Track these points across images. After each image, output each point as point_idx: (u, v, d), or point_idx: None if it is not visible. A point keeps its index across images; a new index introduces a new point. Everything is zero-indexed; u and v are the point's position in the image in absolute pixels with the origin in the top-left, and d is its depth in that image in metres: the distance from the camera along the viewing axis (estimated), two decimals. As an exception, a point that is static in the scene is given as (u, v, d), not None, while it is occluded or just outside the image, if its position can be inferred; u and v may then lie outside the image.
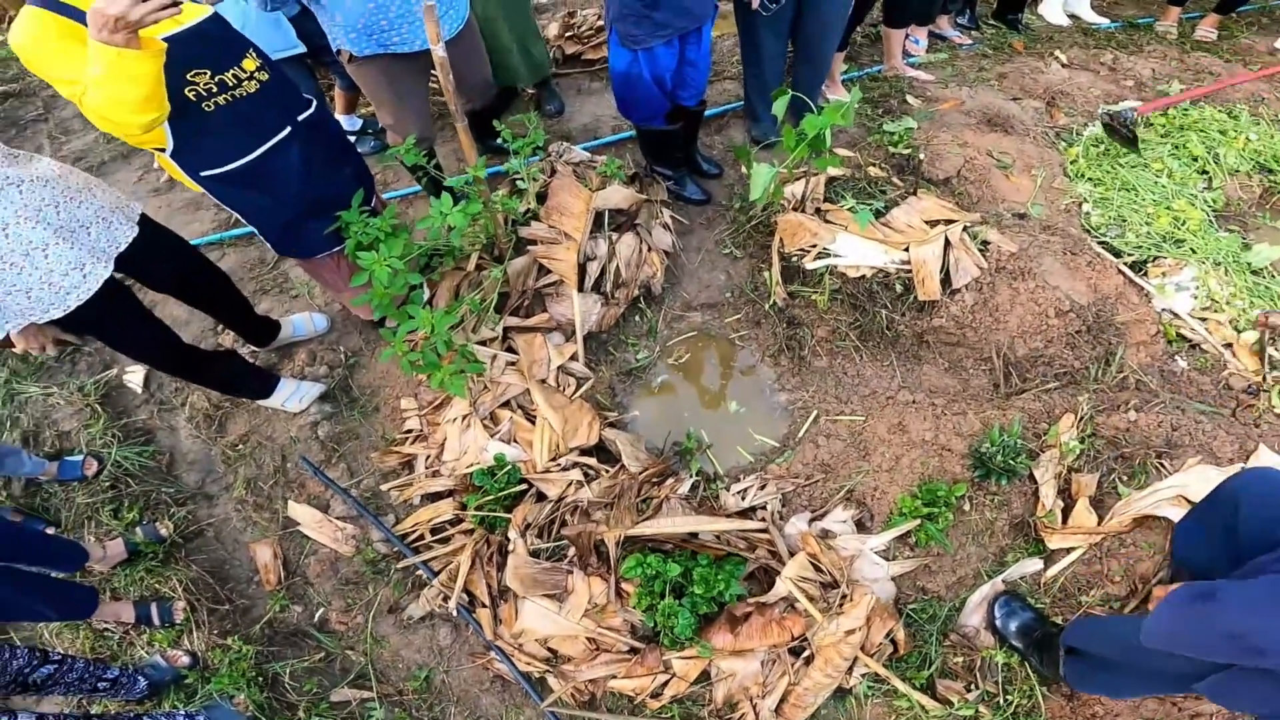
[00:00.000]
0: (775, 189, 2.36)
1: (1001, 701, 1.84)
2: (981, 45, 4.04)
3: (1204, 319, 2.50)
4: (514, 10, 2.95)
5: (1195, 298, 2.58)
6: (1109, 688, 1.66)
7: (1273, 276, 2.70)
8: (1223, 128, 3.40)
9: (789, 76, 3.16)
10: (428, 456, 2.29)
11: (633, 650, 1.90)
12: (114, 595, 2.09)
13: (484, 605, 2.00)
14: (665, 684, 1.84)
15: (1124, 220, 2.91)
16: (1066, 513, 2.02)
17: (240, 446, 2.39)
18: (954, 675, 1.91)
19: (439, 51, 1.91)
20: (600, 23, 3.86)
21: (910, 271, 2.45)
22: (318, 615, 2.10)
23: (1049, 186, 3.03)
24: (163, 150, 1.76)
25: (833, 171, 2.81)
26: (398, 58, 2.23)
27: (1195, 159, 3.23)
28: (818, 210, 2.68)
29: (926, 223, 2.57)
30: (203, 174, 1.83)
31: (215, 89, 1.69)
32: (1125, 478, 2.04)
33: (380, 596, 2.08)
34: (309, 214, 2.06)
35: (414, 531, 2.16)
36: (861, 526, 2.10)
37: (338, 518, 2.23)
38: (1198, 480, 1.89)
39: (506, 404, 2.33)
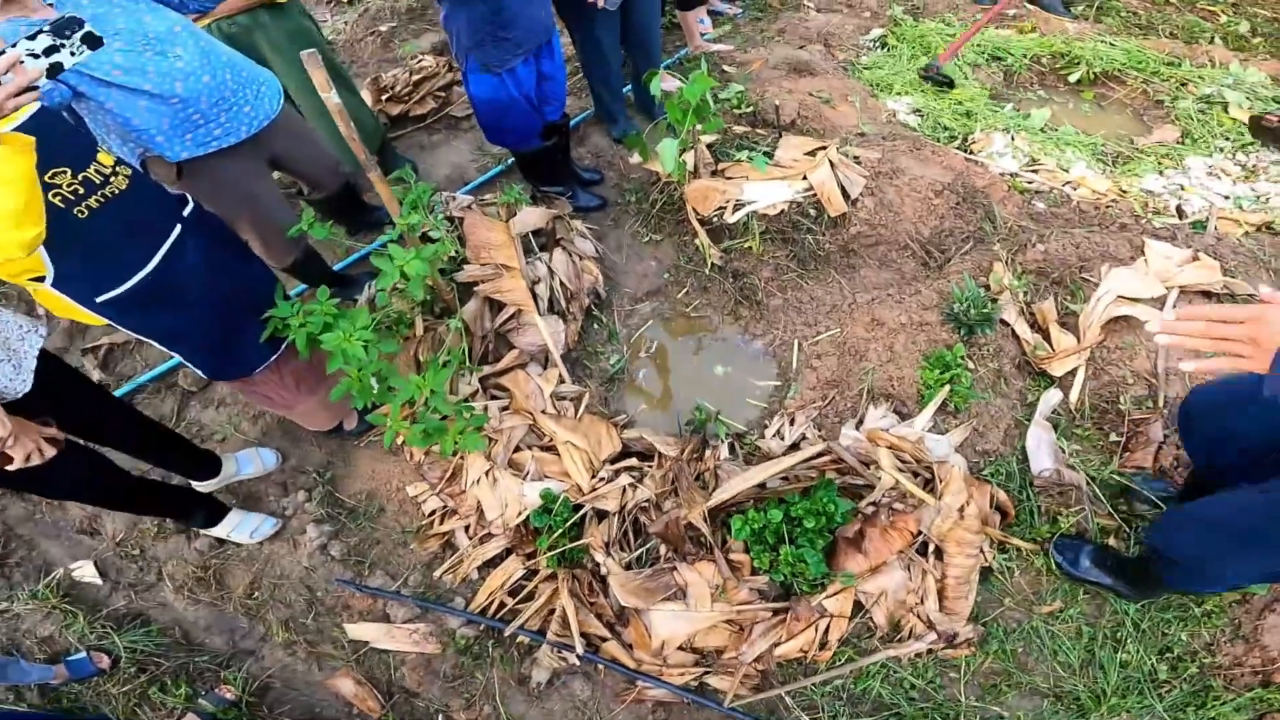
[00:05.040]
0: (678, 163, 2.51)
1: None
2: (749, 11, 4.58)
3: (1036, 171, 3.07)
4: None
5: (1015, 159, 3.17)
6: (1216, 578, 1.55)
7: (1054, 130, 3.41)
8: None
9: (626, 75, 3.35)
10: (467, 526, 2.14)
11: (778, 613, 1.88)
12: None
13: (606, 639, 1.87)
14: (827, 630, 1.84)
15: (927, 113, 3.50)
16: (1048, 341, 2.35)
17: (255, 595, 2.14)
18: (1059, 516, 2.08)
19: (333, 98, 1.75)
20: (418, 76, 3.78)
21: (815, 195, 2.71)
22: (443, 721, 1.88)
23: (866, 107, 3.52)
24: (41, 280, 1.45)
25: (707, 138, 3.03)
26: (228, 153, 2.01)
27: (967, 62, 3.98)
28: (713, 173, 2.87)
29: (806, 154, 2.86)
30: (99, 300, 1.54)
31: (83, 190, 1.44)
32: (1069, 296, 2.43)
33: (495, 678, 1.89)
34: (234, 323, 1.81)
35: (491, 602, 2.01)
36: (901, 416, 2.27)
37: (404, 623, 2.03)
38: (1120, 280, 2.32)
39: (518, 448, 2.23)
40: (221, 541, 2.27)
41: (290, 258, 2.47)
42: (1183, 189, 3.08)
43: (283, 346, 1.95)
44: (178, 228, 1.66)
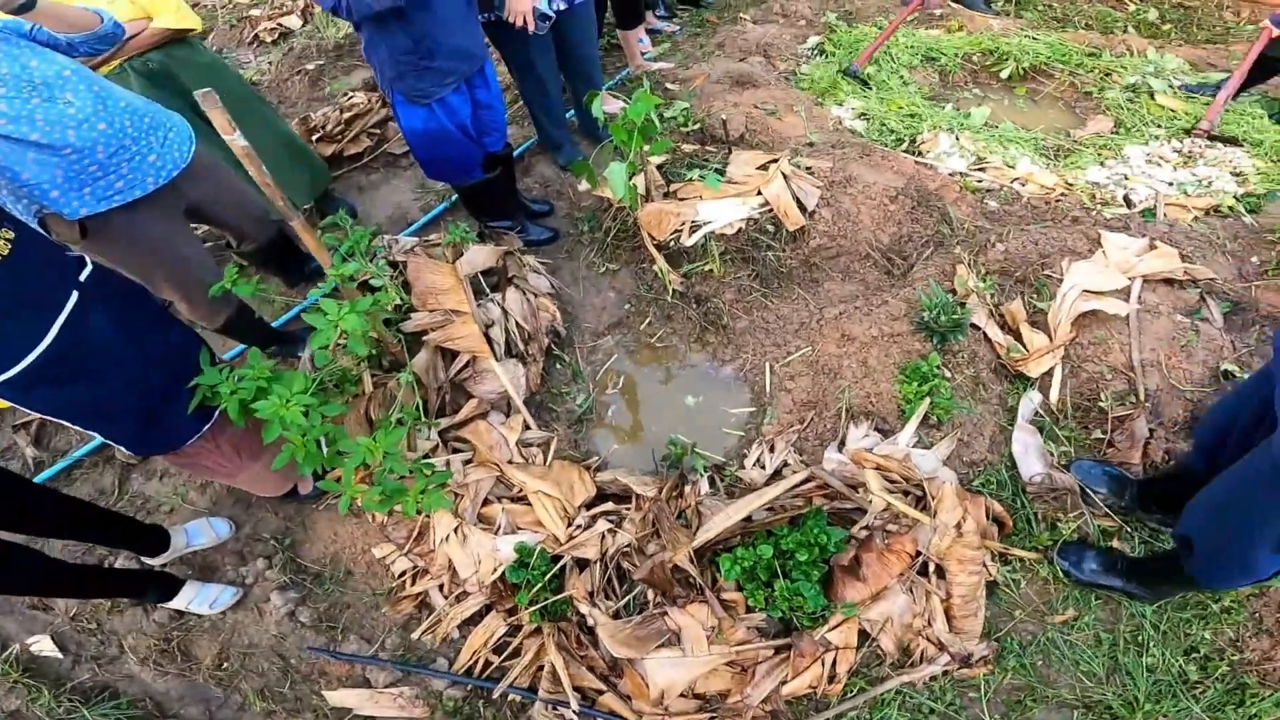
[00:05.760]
0: (629, 188, 2.41)
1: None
2: (688, 28, 4.56)
3: (984, 170, 3.07)
4: (259, 124, 2.63)
5: (963, 158, 3.17)
6: (1247, 564, 1.45)
7: (995, 127, 3.43)
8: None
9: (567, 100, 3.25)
10: (441, 585, 2.03)
11: (779, 650, 1.77)
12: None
13: (602, 691, 1.76)
14: (834, 663, 1.74)
15: (873, 118, 3.49)
16: (1021, 342, 2.32)
17: (225, 665, 2.08)
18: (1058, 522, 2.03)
19: (238, 140, 1.60)
20: (349, 114, 3.61)
21: (772, 210, 2.65)
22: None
23: (812, 116, 3.50)
24: None
25: (656, 159, 2.94)
26: (136, 206, 1.85)
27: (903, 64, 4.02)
28: (665, 195, 2.77)
29: (758, 168, 2.80)
30: None
31: None
32: (1036, 295, 2.40)
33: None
34: (156, 393, 1.64)
35: (476, 661, 1.90)
36: (883, 433, 2.19)
37: (385, 687, 1.92)
38: (1083, 274, 2.30)
39: (487, 501, 2.09)
40: (181, 613, 2.17)
41: (221, 317, 2.30)
42: (1126, 178, 3.13)
43: (215, 415, 1.79)
44: (74, 295, 1.48)
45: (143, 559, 2.19)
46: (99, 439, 1.81)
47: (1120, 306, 2.35)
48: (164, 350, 1.68)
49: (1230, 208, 2.94)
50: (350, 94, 4.20)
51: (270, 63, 5.43)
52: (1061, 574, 1.96)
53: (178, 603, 2.12)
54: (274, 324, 2.78)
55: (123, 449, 1.71)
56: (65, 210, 1.72)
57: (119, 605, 2.20)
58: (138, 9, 2.34)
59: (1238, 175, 3.15)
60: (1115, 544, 2.01)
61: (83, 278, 1.53)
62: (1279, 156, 3.17)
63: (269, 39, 6.02)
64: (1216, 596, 1.89)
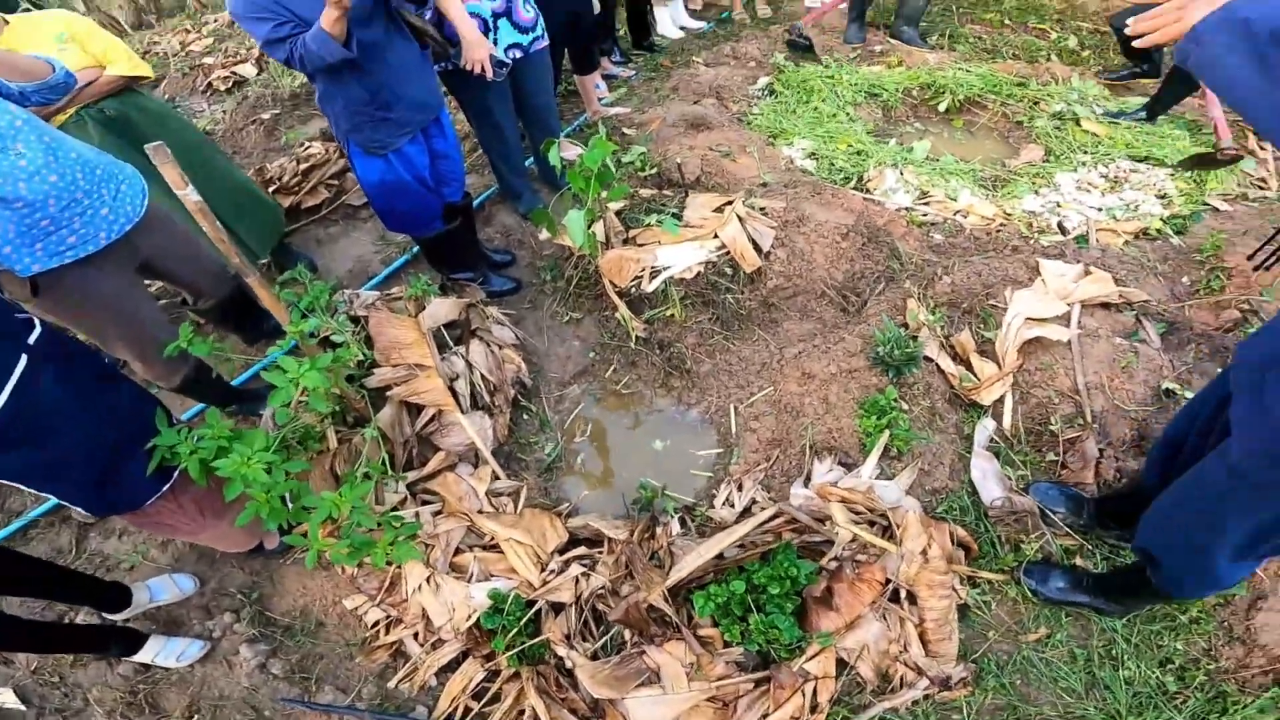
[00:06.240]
0: (588, 235, 2.46)
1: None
2: (643, 72, 4.68)
3: (928, 203, 3.21)
4: (213, 172, 2.62)
5: (908, 193, 3.31)
6: (1206, 569, 1.49)
7: (936, 160, 3.59)
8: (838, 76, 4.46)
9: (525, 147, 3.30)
10: (416, 634, 2.01)
11: (759, 683, 1.79)
12: None
13: None
14: (814, 693, 1.76)
15: (822, 157, 3.63)
16: (972, 372, 2.41)
17: (196, 718, 2.03)
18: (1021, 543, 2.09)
19: (190, 195, 1.59)
20: (307, 165, 3.60)
21: (729, 253, 2.72)
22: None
23: (764, 156, 3.62)
24: None
25: (615, 205, 3.00)
26: (88, 262, 1.82)
27: (848, 101, 4.18)
28: (625, 241, 2.83)
29: (714, 211, 2.88)
30: None
31: None
32: (982, 324, 2.51)
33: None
34: (110, 455, 1.60)
35: (455, 708, 1.89)
36: (846, 467, 2.25)
37: None
38: (1024, 303, 2.42)
39: (459, 550, 2.10)
40: (148, 666, 2.11)
41: (178, 376, 2.26)
42: (1059, 205, 3.30)
43: (175, 474, 1.74)
44: (23, 359, 1.45)
45: (104, 615, 2.14)
46: (54, 499, 1.77)
47: (1062, 332, 2.46)
48: (116, 410, 1.64)
49: (1158, 230, 3.12)
50: (307, 144, 4.19)
51: (225, 111, 5.36)
52: (1030, 593, 2.01)
53: (143, 656, 2.07)
54: (233, 382, 2.74)
55: (79, 510, 1.66)
56: (17, 267, 1.69)
57: (82, 659, 2.14)
58: (90, 57, 2.35)
59: (1162, 197, 3.34)
60: (1078, 561, 2.08)
61: (31, 340, 1.50)
62: (1199, 178, 3.37)
63: (223, 87, 5.96)
64: (1184, 608, 1.95)
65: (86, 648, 2.01)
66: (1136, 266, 2.82)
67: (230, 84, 5.94)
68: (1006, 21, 5.56)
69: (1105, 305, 2.62)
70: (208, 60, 6.36)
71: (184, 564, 2.34)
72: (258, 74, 6.03)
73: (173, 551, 2.35)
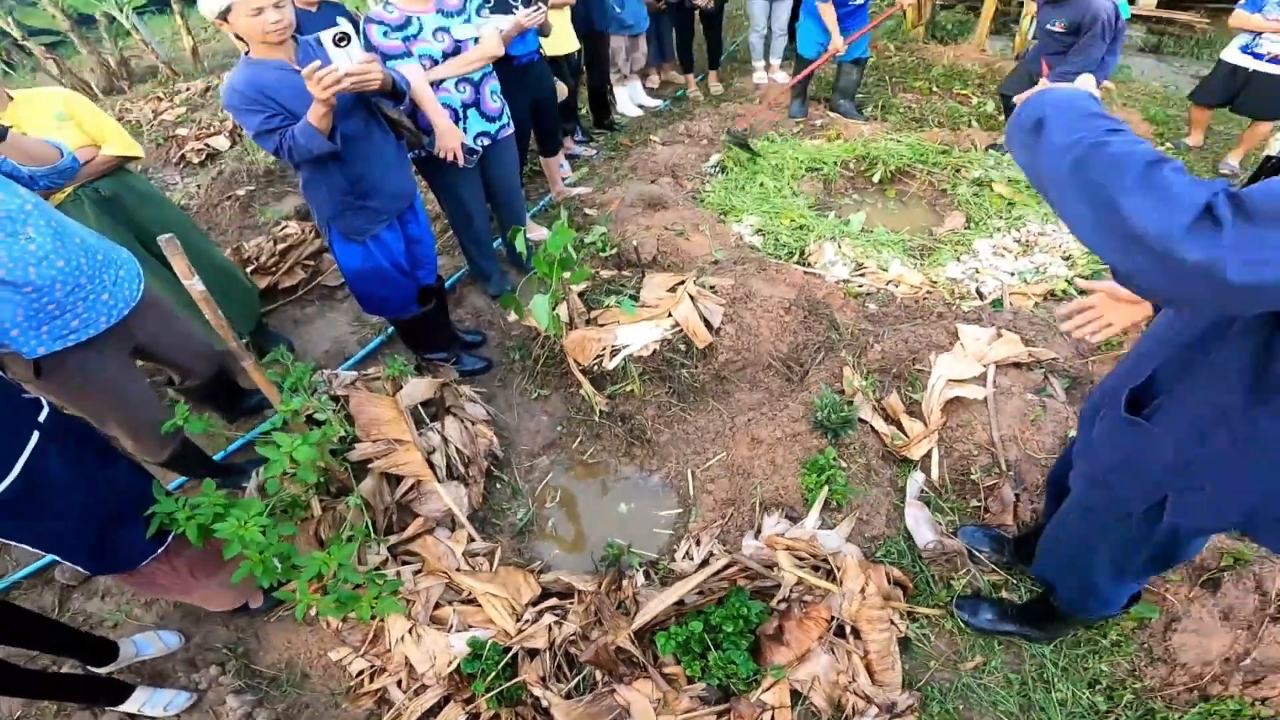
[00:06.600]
0: (553, 318, 2.71)
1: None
2: (604, 151, 5.03)
3: (863, 275, 3.56)
4: (193, 254, 2.79)
5: (845, 266, 3.66)
6: (1093, 589, 1.66)
7: (870, 232, 3.96)
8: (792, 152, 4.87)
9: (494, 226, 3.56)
10: (399, 681, 2.13)
11: (721, 715, 1.96)
12: None
13: None
14: None
15: (769, 233, 3.97)
16: (902, 430, 2.69)
17: None
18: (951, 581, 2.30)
19: (196, 285, 1.70)
20: (284, 245, 3.79)
21: (682, 330, 2.99)
22: None
23: (715, 233, 3.94)
24: None
25: (578, 287, 3.27)
26: (89, 345, 1.90)
27: (791, 176, 4.57)
28: (587, 321, 3.09)
29: (669, 290, 3.17)
30: None
31: None
32: (910, 387, 2.81)
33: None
34: (108, 523, 1.69)
35: None
36: (792, 520, 2.49)
37: None
38: (946, 366, 2.74)
39: (439, 604, 2.26)
40: (133, 716, 2.12)
41: (166, 452, 2.36)
42: (978, 271, 3.68)
43: (170, 537, 1.84)
44: (35, 435, 1.52)
45: (89, 668, 2.15)
46: (45, 559, 1.80)
47: (979, 391, 2.77)
48: (114, 484, 1.73)
49: (1064, 291, 3.49)
50: (283, 223, 4.31)
51: (199, 185, 5.37)
52: (963, 625, 2.22)
53: (130, 706, 2.08)
54: (215, 457, 2.86)
55: (78, 569, 1.73)
56: (24, 349, 1.74)
57: (66, 709, 2.15)
58: (85, 136, 2.46)
59: (1067, 259, 3.74)
60: (1004, 594, 2.31)
61: (41, 418, 1.58)
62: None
63: (196, 160, 5.96)
64: (1104, 632, 2.16)
65: (74, 697, 2.03)
66: (1044, 327, 3.16)
67: (204, 156, 5.98)
68: (934, 89, 6.04)
69: (1017, 364, 2.95)
70: (181, 131, 6.36)
71: (168, 622, 2.38)
72: (230, 146, 6.10)
73: (158, 610, 2.40)
